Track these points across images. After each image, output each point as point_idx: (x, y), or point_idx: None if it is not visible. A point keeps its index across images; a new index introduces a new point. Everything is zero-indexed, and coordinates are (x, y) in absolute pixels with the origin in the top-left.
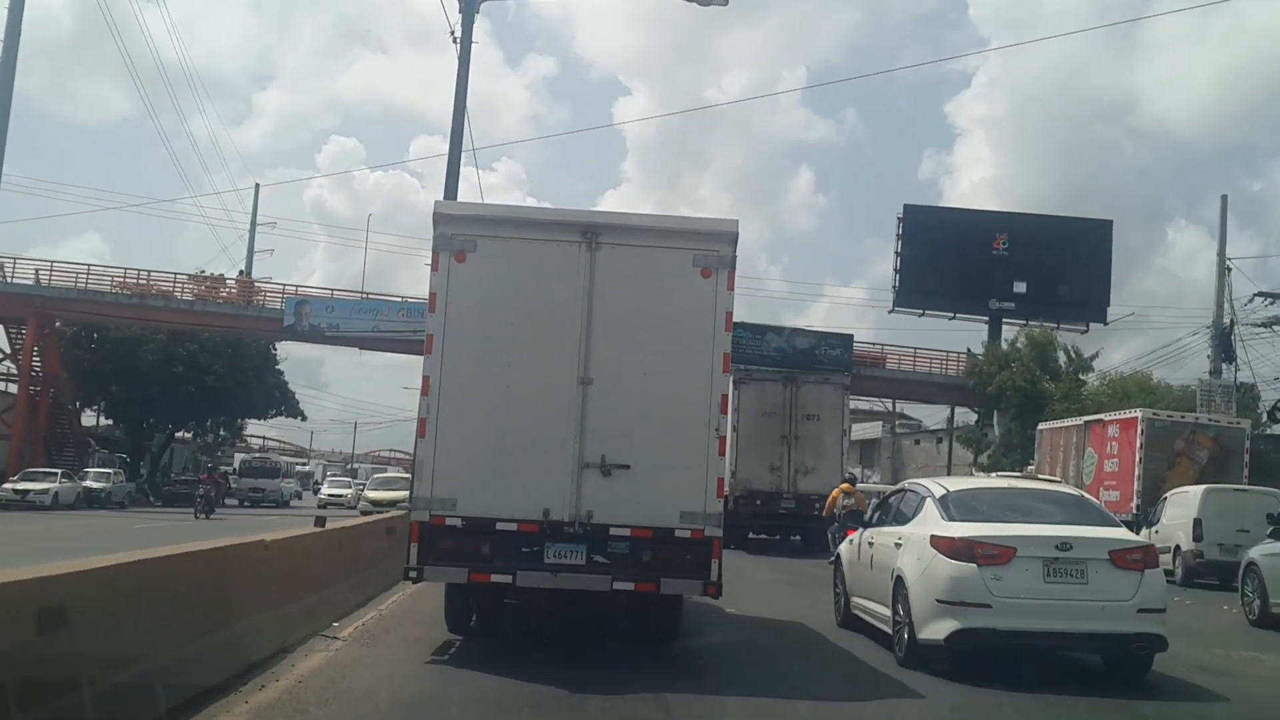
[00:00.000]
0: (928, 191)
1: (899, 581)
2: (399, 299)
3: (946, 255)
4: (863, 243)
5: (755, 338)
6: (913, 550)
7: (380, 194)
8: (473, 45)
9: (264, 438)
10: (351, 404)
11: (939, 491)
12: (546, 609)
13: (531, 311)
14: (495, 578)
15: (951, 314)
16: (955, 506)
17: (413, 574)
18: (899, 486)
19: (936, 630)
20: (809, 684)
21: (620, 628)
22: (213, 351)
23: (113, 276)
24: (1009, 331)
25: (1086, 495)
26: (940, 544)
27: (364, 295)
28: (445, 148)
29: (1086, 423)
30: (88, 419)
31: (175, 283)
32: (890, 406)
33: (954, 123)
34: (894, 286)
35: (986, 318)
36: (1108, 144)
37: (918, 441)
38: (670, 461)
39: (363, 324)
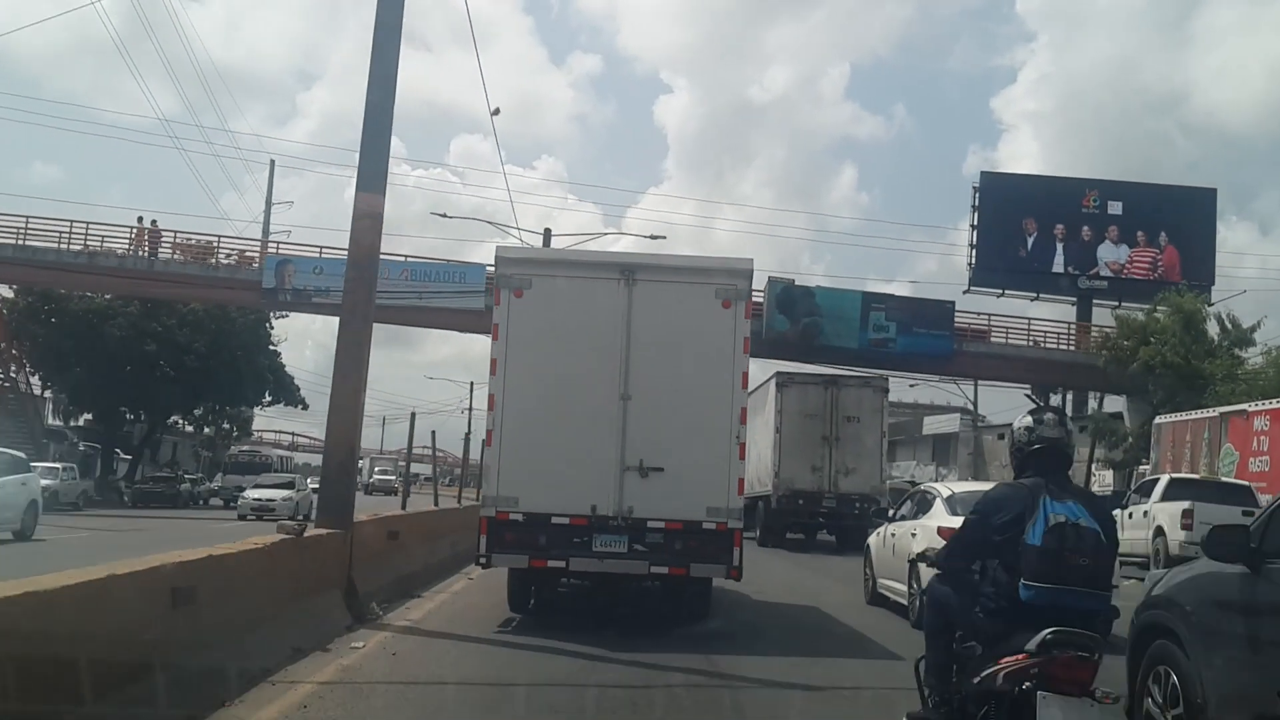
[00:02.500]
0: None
1: (913, 563)
2: (401, 258)
3: (1029, 228)
4: (906, 239)
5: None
6: (925, 538)
7: (421, 192)
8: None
9: (292, 433)
10: (389, 400)
11: (946, 493)
12: (594, 592)
13: (579, 338)
14: (552, 563)
15: (1035, 294)
16: (959, 504)
17: (482, 560)
18: (917, 489)
19: None
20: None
21: (658, 608)
22: (194, 327)
23: (60, 231)
24: (1099, 314)
25: None
26: (944, 533)
27: None
28: (485, 147)
29: (1224, 414)
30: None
31: (133, 240)
32: (971, 394)
33: (1000, 118)
34: (969, 264)
35: (1075, 298)
36: (1158, 138)
37: (1001, 436)
38: (698, 465)
39: None
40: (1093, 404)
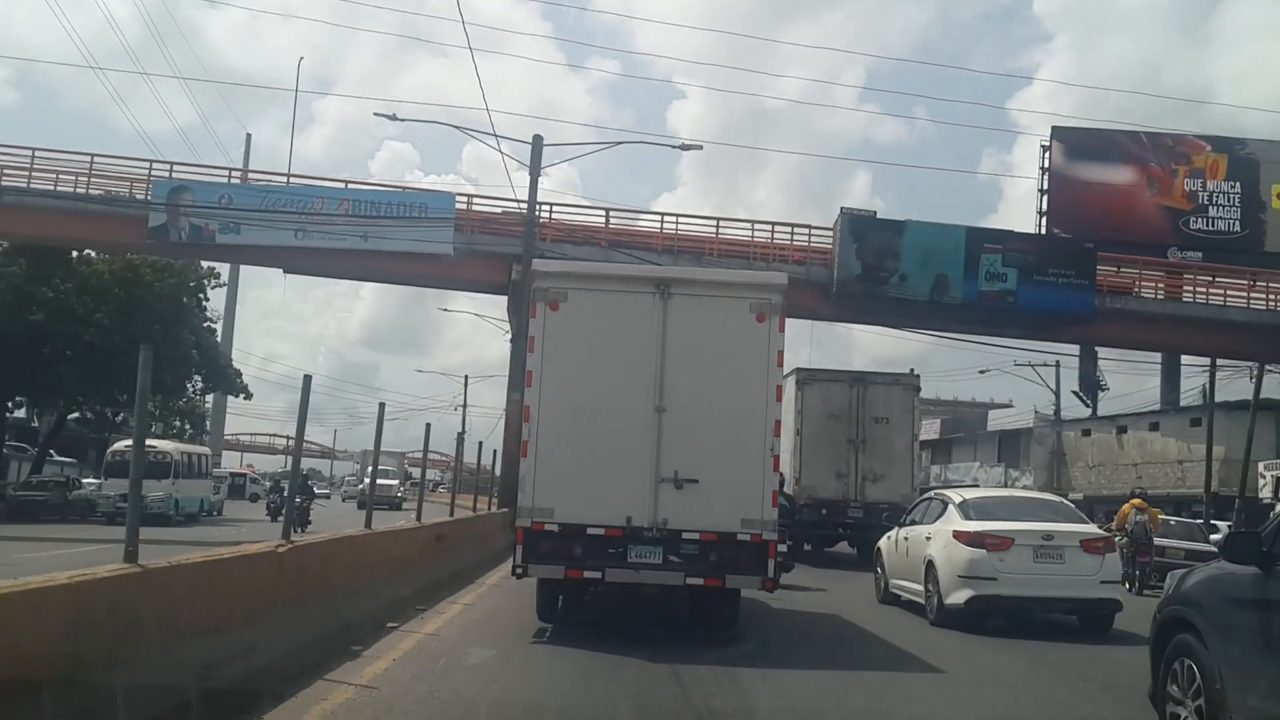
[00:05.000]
0: (987, 191)
1: (930, 565)
2: (340, 184)
3: (1108, 192)
4: None
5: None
6: (940, 541)
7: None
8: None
9: (287, 436)
10: (393, 404)
11: (958, 499)
12: (623, 602)
13: (615, 351)
14: (587, 574)
15: (1116, 268)
16: (972, 510)
17: (519, 570)
18: (926, 496)
19: (958, 597)
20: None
21: (687, 617)
22: (96, 294)
23: None
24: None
25: (1066, 501)
26: (961, 536)
27: (286, 179)
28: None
29: None
30: None
31: None
32: (1054, 383)
33: (1017, 120)
34: (1039, 233)
35: (1164, 271)
36: None
37: (1086, 433)
38: (732, 476)
39: (281, 224)
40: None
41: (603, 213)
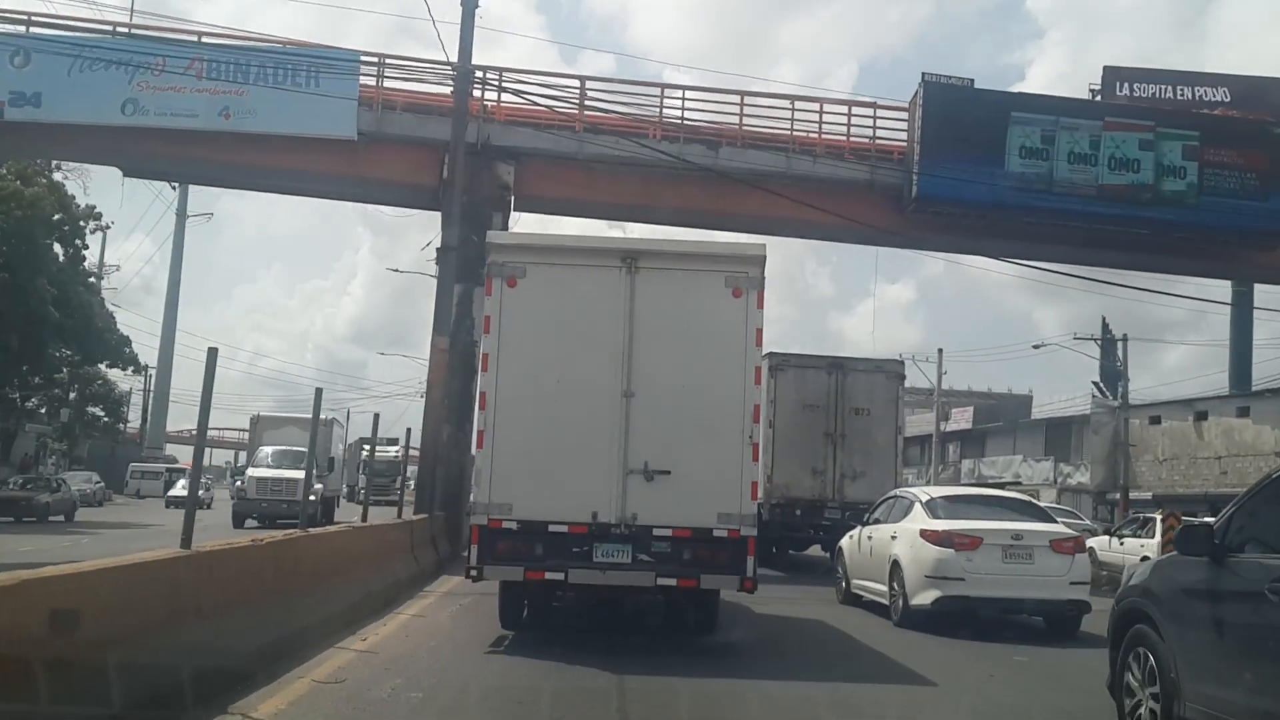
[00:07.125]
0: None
1: (895, 564)
2: (193, 37)
3: None
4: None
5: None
6: (905, 540)
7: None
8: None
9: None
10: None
11: (925, 497)
12: (593, 605)
13: (578, 331)
14: (549, 575)
15: None
16: (939, 508)
17: (473, 573)
18: (890, 494)
19: (924, 598)
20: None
21: (662, 622)
22: None
23: None
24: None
25: (1034, 500)
26: (928, 535)
27: (111, 30)
28: None
29: None
30: None
31: None
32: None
33: None
34: None
35: None
36: None
37: (1156, 419)
38: (707, 467)
39: (107, 90)
40: None
41: (576, 85)
